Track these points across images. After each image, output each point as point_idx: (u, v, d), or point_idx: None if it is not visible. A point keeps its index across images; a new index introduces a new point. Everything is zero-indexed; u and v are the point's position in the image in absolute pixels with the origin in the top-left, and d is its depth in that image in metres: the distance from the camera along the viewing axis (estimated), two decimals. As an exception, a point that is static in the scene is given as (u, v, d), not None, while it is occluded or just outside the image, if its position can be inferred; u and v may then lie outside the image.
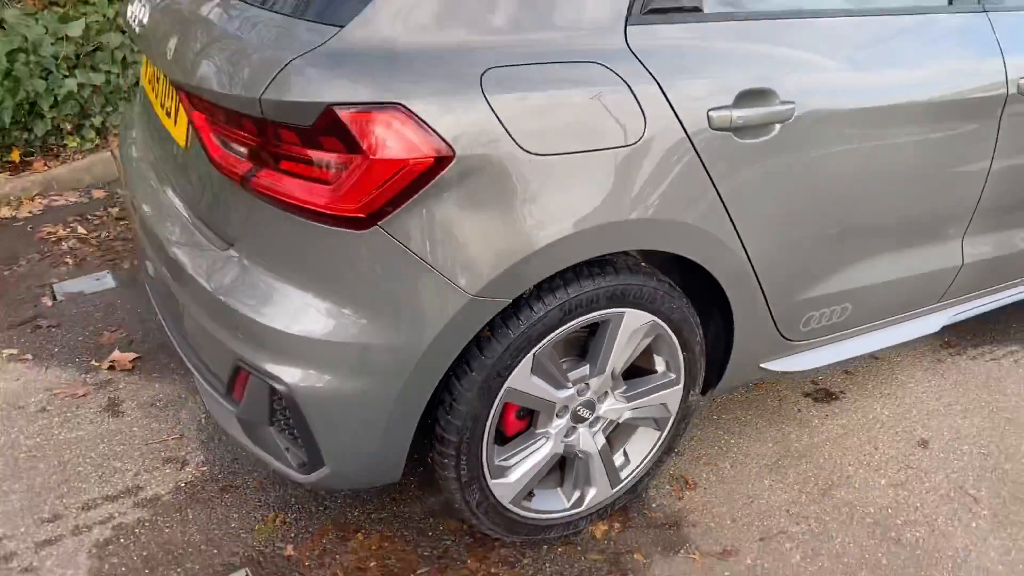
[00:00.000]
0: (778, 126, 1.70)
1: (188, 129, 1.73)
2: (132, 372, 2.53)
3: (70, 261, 3.14)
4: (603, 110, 1.51)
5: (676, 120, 1.58)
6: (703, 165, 1.64)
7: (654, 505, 2.07)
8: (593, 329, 1.76)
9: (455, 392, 1.62)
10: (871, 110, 1.83)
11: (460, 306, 1.49)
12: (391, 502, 2.07)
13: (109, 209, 3.55)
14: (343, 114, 1.37)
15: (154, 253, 1.87)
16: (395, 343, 1.50)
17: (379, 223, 1.43)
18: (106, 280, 3.02)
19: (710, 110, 1.61)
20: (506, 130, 1.43)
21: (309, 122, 1.39)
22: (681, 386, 1.92)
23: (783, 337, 2.03)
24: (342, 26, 1.42)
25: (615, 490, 1.97)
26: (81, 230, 3.36)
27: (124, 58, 3.77)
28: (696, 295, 1.86)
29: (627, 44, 1.56)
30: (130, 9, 2.00)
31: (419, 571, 1.88)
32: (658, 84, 1.56)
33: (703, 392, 2.04)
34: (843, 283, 2.04)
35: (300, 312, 1.51)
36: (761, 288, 1.87)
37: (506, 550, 1.94)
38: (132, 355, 2.59)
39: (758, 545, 1.97)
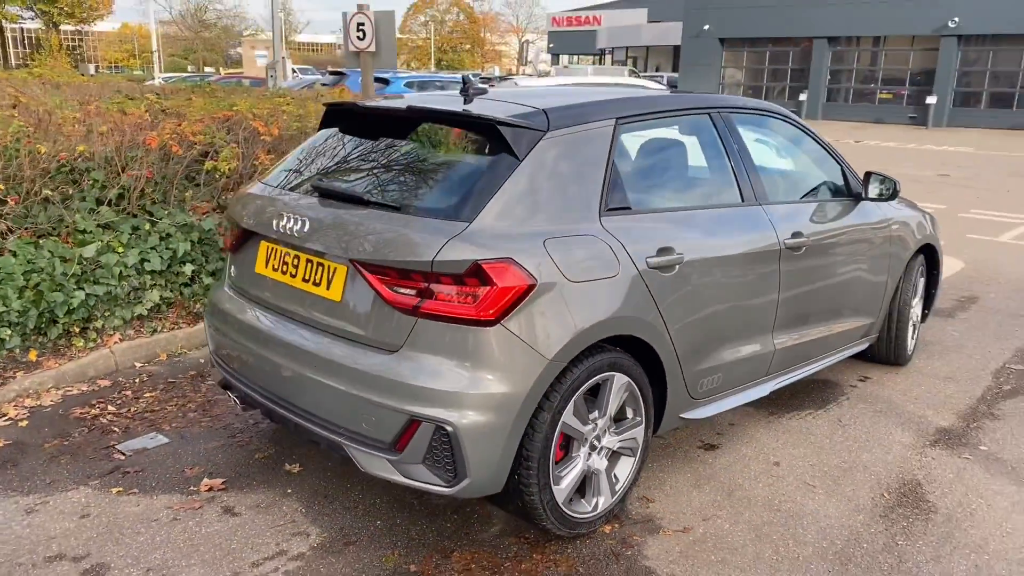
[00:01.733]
0: (677, 266, 3.11)
1: (345, 286, 2.81)
2: (226, 491, 3.30)
3: (116, 430, 3.82)
4: (599, 259, 2.84)
5: (632, 263, 2.94)
6: (647, 287, 2.99)
7: (633, 512, 3.20)
8: (594, 390, 2.96)
9: (535, 425, 2.73)
10: (715, 259, 3.32)
11: (542, 367, 2.67)
12: (467, 532, 3.02)
13: (124, 392, 4.25)
14: (484, 265, 2.57)
15: (296, 373, 2.85)
16: (509, 391, 2.62)
17: (501, 322, 2.60)
18: (158, 438, 3.75)
19: (647, 257, 2.99)
20: (558, 269, 2.71)
21: (462, 271, 2.58)
22: (643, 426, 3.15)
23: (690, 396, 3.34)
24: (469, 222, 2.66)
25: (614, 498, 3.09)
26: (111, 408, 4.05)
27: (120, 272, 4.62)
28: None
29: (602, 226, 2.93)
30: (280, 223, 3.05)
31: (505, 565, 2.84)
32: (621, 244, 2.93)
33: (653, 432, 3.27)
34: (716, 360, 3.41)
35: (456, 378, 2.60)
36: (679, 361, 3.19)
37: (554, 545, 2.96)
38: (219, 480, 3.36)
39: (702, 524, 3.14)
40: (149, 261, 4.76)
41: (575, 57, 57.68)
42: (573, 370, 2.79)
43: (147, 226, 4.86)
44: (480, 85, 3.40)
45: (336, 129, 3.48)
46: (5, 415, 3.93)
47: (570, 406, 2.82)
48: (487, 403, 2.61)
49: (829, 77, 32.47)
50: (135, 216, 4.94)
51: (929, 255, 4.96)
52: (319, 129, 3.62)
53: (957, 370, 4.90)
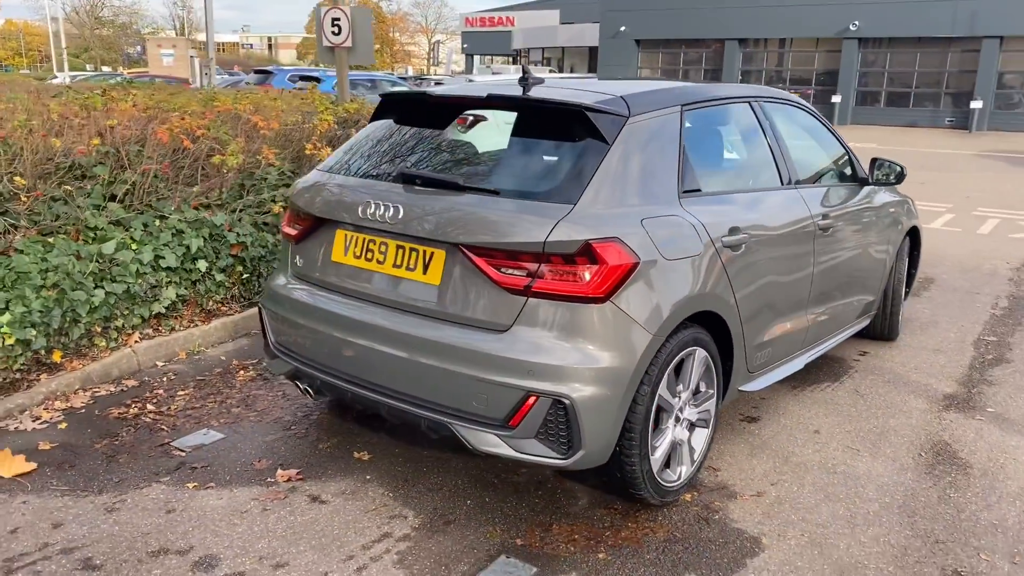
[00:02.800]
0: (743, 245, 3.30)
1: (445, 270, 2.87)
2: (304, 481, 3.29)
3: (164, 428, 3.73)
4: (686, 238, 3.00)
5: (711, 242, 3.11)
6: (723, 264, 3.16)
7: (706, 481, 3.36)
8: (677, 365, 3.11)
9: (638, 398, 2.86)
10: (772, 237, 3.52)
11: (647, 341, 2.80)
12: (557, 506, 3.12)
13: (156, 391, 4.14)
14: (594, 244, 2.68)
15: (391, 356, 2.89)
16: (620, 365, 2.74)
17: (610, 299, 2.72)
18: (211, 434, 3.68)
19: (721, 236, 3.16)
20: (656, 247, 2.84)
21: (572, 251, 2.68)
22: (715, 398, 3.32)
23: (747, 369, 3.53)
24: (573, 204, 2.77)
25: (692, 468, 3.24)
26: (150, 407, 3.95)
27: (137, 270, 4.49)
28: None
29: (682, 207, 3.08)
30: (368, 211, 3.06)
31: (605, 535, 2.96)
32: (701, 224, 3.09)
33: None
34: (769, 334, 3.62)
35: (571, 354, 2.70)
36: (743, 335, 3.38)
37: (644, 514, 3.09)
38: (293, 471, 3.35)
39: (772, 488, 3.33)
40: (164, 258, 4.63)
41: (490, 58, 57.93)
42: (667, 344, 2.93)
43: (157, 222, 4.74)
44: (536, 76, 3.50)
45: (395, 118, 3.52)
46: (39, 418, 3.79)
47: (664, 379, 2.96)
48: (601, 376, 2.71)
49: (740, 77, 33.73)
50: (141, 212, 4.80)
51: (913, 237, 5.34)
52: (373, 119, 3.64)
53: (941, 343, 5.28)
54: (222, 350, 4.78)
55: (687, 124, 3.32)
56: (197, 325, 4.83)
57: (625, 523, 3.04)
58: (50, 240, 4.31)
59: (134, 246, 4.54)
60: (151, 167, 4.66)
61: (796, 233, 3.73)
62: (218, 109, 5.58)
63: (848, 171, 4.59)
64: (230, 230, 5.04)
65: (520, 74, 3.43)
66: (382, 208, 3.01)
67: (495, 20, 57.25)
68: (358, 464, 3.44)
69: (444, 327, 2.89)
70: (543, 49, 48.77)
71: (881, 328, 5.12)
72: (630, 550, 2.88)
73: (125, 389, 4.17)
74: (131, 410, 3.91)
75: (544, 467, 3.09)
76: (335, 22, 7.36)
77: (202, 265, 4.84)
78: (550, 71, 29.79)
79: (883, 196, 4.80)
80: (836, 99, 30.57)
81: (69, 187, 4.62)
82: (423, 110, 3.48)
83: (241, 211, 5.22)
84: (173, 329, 4.70)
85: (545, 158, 3.07)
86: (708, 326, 3.20)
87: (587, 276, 2.70)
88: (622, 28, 35.82)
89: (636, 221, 2.85)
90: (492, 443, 2.80)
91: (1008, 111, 28.83)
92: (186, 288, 4.81)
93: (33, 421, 3.76)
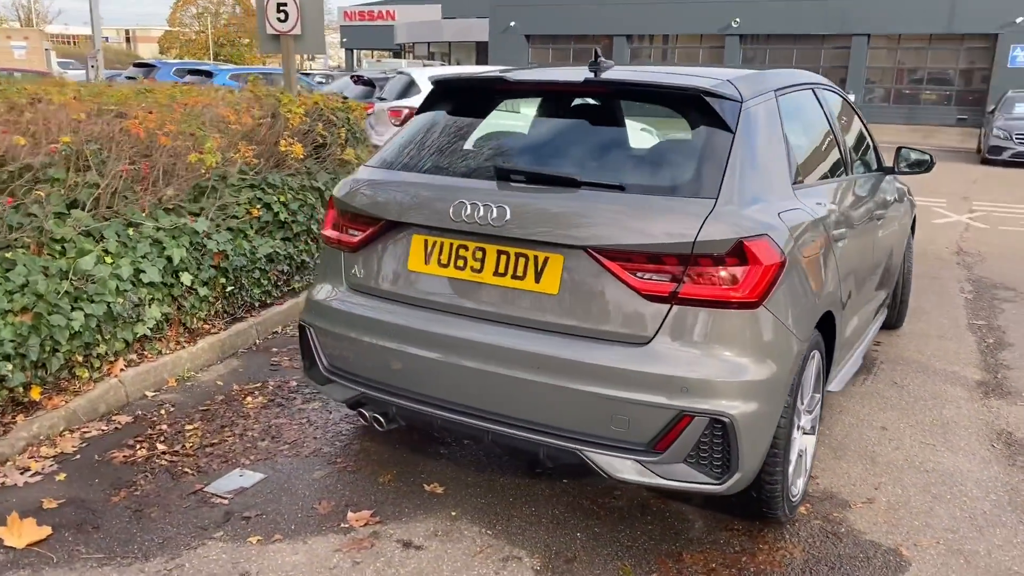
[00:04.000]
0: (843, 238, 3.12)
1: (564, 277, 2.53)
2: (383, 523, 2.87)
3: (188, 472, 3.19)
4: (813, 230, 2.78)
5: (827, 236, 2.91)
6: (835, 258, 2.97)
7: (811, 490, 3.17)
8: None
9: (783, 411, 2.61)
10: (855, 230, 3.36)
11: (796, 347, 2.56)
12: (676, 532, 2.84)
13: (159, 427, 3.56)
14: (746, 243, 2.42)
15: (502, 377, 2.54)
16: (775, 375, 2.49)
17: (763, 303, 2.46)
18: (249, 475, 3.18)
19: (830, 230, 2.97)
20: (795, 243, 2.61)
21: (724, 251, 2.41)
22: (820, 403, 3.12)
23: (829, 367, 3.37)
24: (714, 199, 2.49)
25: (806, 477, 3.04)
26: (160, 447, 3.38)
27: (116, 287, 3.87)
28: None
29: (796, 197, 2.86)
30: (463, 213, 2.66)
31: (742, 560, 2.70)
32: (817, 216, 2.88)
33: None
34: (848, 331, 3.47)
35: (726, 366, 2.42)
36: (841, 334, 3.20)
37: (769, 533, 2.86)
38: (366, 512, 2.92)
39: (877, 492, 3.17)
40: (145, 272, 4.02)
41: (372, 53, 56.68)
42: (803, 350, 2.71)
43: (131, 231, 4.11)
44: (605, 61, 3.18)
45: (453, 108, 3.14)
46: (27, 469, 3.17)
47: (799, 388, 2.74)
48: (758, 390, 2.45)
49: (629, 73, 34.36)
50: (107, 220, 4.15)
51: (912, 227, 5.38)
52: (423, 109, 3.23)
53: (940, 330, 5.35)
54: (214, 374, 4.21)
55: (782, 110, 3.10)
56: (184, 347, 4.24)
57: (756, 545, 2.80)
58: (7, 255, 3.63)
59: (109, 259, 3.91)
60: (127, 167, 4.03)
61: (866, 224, 3.61)
62: (185, 103, 4.94)
63: (873, 158, 4.52)
64: (208, 237, 4.46)
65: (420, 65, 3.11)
66: (481, 209, 2.63)
67: (375, 14, 55.96)
68: (434, 499, 3.04)
69: (567, 342, 2.55)
70: (428, 44, 48.13)
71: (889, 317, 5.12)
72: None
73: (120, 427, 3.57)
74: (138, 452, 3.34)
75: (689, 493, 2.78)
76: (281, 7, 6.74)
77: (186, 278, 4.25)
78: (441, 65, 29.26)
79: (898, 185, 4.78)
80: (721, 93, 31.62)
81: (31, 194, 3.93)
82: (492, 97, 3.11)
83: (221, 217, 4.64)
84: (160, 353, 4.09)
85: (663, 148, 2.78)
86: (821, 326, 3.01)
87: (739, 278, 2.42)
88: (512, 23, 35.76)
89: (775, 214, 2.60)
90: (632, 470, 2.49)
91: (876, 105, 30.71)
92: (168, 305, 4.21)
93: (21, 473, 3.13)
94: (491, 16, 36.47)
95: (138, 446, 3.38)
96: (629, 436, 2.48)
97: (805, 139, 3.42)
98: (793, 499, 2.90)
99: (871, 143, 4.52)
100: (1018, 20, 27.62)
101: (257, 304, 4.89)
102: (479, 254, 2.69)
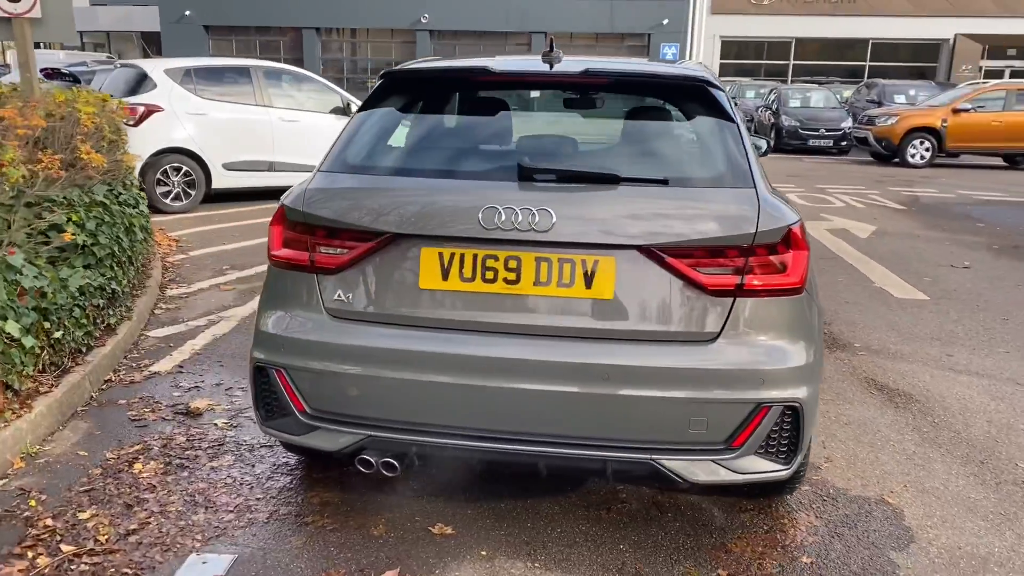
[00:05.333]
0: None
1: (618, 280, 2.38)
2: (417, 581, 2.49)
3: (129, 572, 2.49)
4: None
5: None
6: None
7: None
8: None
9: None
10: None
11: (818, 323, 2.67)
12: (706, 525, 2.83)
13: (44, 522, 2.72)
14: (794, 229, 2.47)
15: (559, 395, 2.36)
16: (819, 357, 2.58)
17: (804, 287, 2.53)
18: (214, 560, 2.57)
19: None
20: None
21: (778, 239, 2.44)
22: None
23: None
24: (753, 187, 2.50)
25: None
26: (66, 548, 2.59)
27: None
28: None
29: (771, 186, 2.98)
30: (495, 219, 2.36)
31: (778, 536, 2.78)
32: (788, 203, 3.03)
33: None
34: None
35: (790, 352, 2.45)
36: None
37: (776, 506, 2.97)
38: (391, 573, 2.51)
39: (827, 451, 3.45)
40: (-40, 324, 3.06)
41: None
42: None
43: (-75, 272, 3.09)
44: (558, 52, 3.01)
45: (425, 101, 2.81)
46: None
47: None
48: (812, 370, 2.52)
49: (323, 67, 33.52)
50: None
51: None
52: (371, 104, 2.83)
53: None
54: (67, 443, 3.35)
55: None
56: (18, 415, 3.29)
57: (777, 521, 2.89)
58: None
59: (-91, 313, 2.92)
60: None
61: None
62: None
63: None
64: (20, 273, 3.51)
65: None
66: (518, 214, 2.38)
67: None
68: (451, 541, 2.71)
69: (632, 348, 2.41)
70: (81, 33, 42.62)
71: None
72: (817, 549, 2.75)
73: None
74: (38, 562, 2.53)
75: (755, 484, 2.71)
76: (12, -16, 5.46)
77: (12, 327, 3.30)
78: (107, 57, 26.04)
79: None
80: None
81: None
82: (473, 90, 2.81)
83: (29, 245, 3.67)
84: (-5, 427, 3.15)
85: (682, 139, 2.71)
86: None
87: (788, 264, 2.46)
88: (187, 12, 32.96)
89: (783, 199, 2.68)
90: (708, 471, 2.43)
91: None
92: (-9, 364, 3.25)
93: None
94: (160, 4, 33.31)
95: (33, 555, 2.57)
96: (708, 436, 2.41)
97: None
98: (798, 470, 3.04)
99: None
100: (665, 22, 31.67)
101: (84, 349, 3.97)
102: (513, 263, 2.43)
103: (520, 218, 2.37)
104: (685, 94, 2.74)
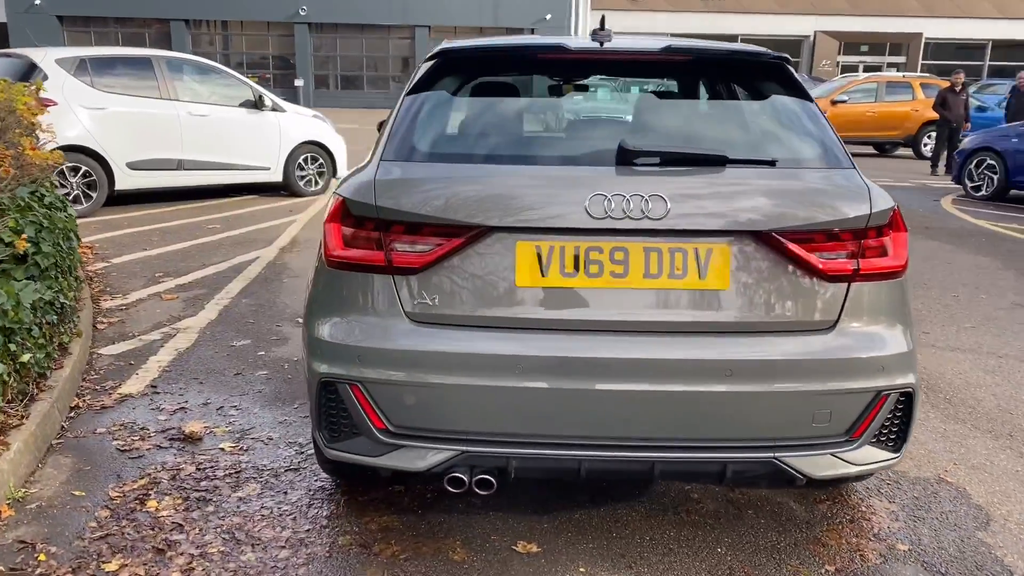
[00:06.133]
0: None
1: (733, 268, 2.24)
2: (527, 608, 2.26)
3: (188, 630, 2.14)
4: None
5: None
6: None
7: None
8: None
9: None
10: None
11: (907, 309, 2.63)
12: (791, 521, 2.74)
13: (65, 581, 2.30)
14: (896, 210, 2.40)
15: (676, 396, 2.21)
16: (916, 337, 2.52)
17: (905, 269, 2.47)
18: (285, 606, 2.24)
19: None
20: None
21: (885, 221, 2.36)
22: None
23: None
24: (852, 167, 2.41)
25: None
26: (106, 609, 2.19)
27: None
28: None
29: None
30: (605, 207, 2.16)
31: (864, 526, 2.72)
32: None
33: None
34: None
35: (902, 337, 2.38)
36: None
37: (848, 494, 2.92)
38: (495, 603, 2.27)
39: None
40: (-73, 351, 2.55)
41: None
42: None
43: None
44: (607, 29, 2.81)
45: (488, 83, 2.57)
46: None
47: None
48: (915, 357, 2.46)
49: (193, 61, 31.79)
50: None
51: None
52: (423, 87, 2.55)
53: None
54: (55, 483, 2.89)
55: None
56: (-4, 454, 2.80)
57: (855, 511, 2.84)
58: None
59: None
60: None
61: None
62: None
63: None
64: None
65: None
66: (629, 201, 2.19)
67: None
68: (542, 559, 2.49)
69: (751, 340, 2.27)
70: (-90, 25, 38.56)
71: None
72: (907, 535, 2.71)
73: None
74: (80, 627, 2.13)
75: (870, 474, 2.61)
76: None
77: (-18, 352, 2.80)
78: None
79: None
80: (299, 83, 30.98)
81: None
82: (546, 71, 2.59)
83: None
84: (-23, 471, 2.65)
85: (770, 118, 2.58)
86: None
87: (894, 247, 2.39)
88: (36, 2, 30.39)
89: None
90: (828, 466, 2.33)
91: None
92: (-40, 397, 2.75)
93: None
94: (8, -8, 30.60)
95: (64, 619, 2.16)
96: (831, 429, 2.30)
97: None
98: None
99: None
100: (548, 16, 31.94)
101: (46, 373, 3.45)
102: (619, 255, 2.23)
103: (632, 205, 2.18)
104: (765, 72, 2.62)
